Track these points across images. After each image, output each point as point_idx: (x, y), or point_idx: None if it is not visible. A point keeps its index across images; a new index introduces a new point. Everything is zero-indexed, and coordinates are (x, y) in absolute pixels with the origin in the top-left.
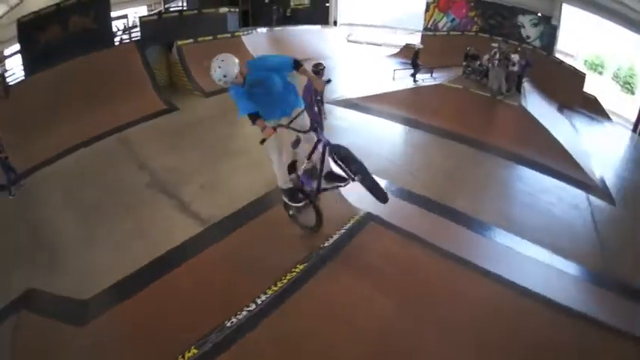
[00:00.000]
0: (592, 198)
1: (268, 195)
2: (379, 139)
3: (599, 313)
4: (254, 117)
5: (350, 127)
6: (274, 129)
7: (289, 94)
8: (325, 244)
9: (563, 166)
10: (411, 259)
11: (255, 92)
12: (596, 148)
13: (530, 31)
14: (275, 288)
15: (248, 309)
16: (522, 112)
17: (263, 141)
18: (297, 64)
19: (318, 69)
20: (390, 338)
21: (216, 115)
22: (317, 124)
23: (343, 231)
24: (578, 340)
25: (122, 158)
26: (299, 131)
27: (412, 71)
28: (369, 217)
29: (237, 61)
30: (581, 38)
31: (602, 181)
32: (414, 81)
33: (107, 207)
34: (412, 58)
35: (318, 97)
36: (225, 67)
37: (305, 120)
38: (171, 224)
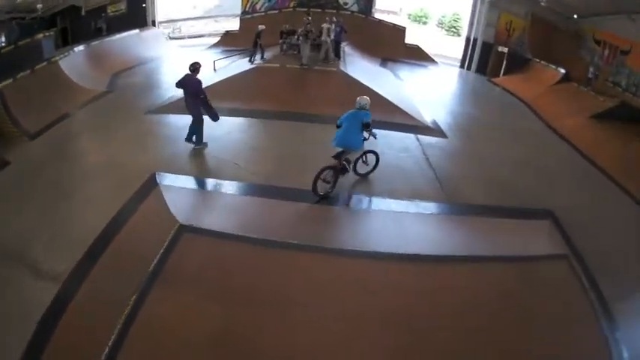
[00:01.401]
0: (422, 137)
1: (109, 226)
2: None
3: (448, 239)
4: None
5: (174, 134)
6: None
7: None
8: (150, 268)
9: (389, 115)
10: (228, 259)
11: None
12: (425, 90)
13: None
14: (118, 326)
15: (105, 352)
16: (341, 75)
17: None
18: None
19: (195, 67)
20: (231, 337)
21: (46, 156)
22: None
23: (162, 251)
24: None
25: None
26: None
27: (251, 54)
28: (183, 229)
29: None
30: None
31: (433, 120)
32: (250, 61)
33: None
34: (254, 40)
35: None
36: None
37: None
38: (28, 295)
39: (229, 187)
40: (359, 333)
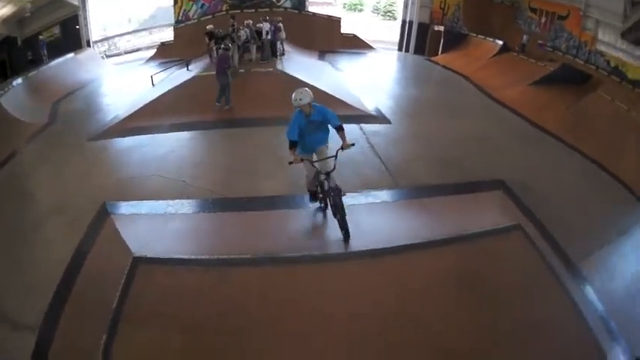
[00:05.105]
0: (366, 126)
1: (69, 267)
2: (148, 158)
3: (401, 225)
4: (292, 144)
5: (118, 159)
6: (302, 160)
7: (324, 136)
8: (113, 307)
9: (331, 109)
10: (184, 286)
11: (307, 127)
12: (365, 78)
13: None
14: None
15: None
16: (279, 75)
17: (291, 163)
18: (339, 127)
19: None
20: None
21: None
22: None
23: (120, 287)
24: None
25: None
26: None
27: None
28: (137, 261)
29: (311, 95)
30: None
31: (376, 107)
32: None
33: None
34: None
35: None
36: (305, 95)
37: (329, 163)
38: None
39: (179, 206)
40: (326, 345)
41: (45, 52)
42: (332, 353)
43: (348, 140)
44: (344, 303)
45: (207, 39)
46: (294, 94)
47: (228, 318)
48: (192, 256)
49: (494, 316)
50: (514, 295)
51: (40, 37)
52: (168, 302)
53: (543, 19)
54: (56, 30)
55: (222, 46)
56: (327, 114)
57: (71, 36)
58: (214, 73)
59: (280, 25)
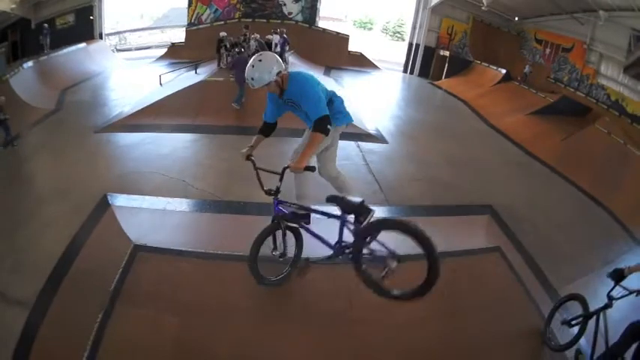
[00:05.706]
0: (363, 144)
1: (67, 251)
2: (151, 155)
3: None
4: (260, 128)
5: (122, 153)
6: (248, 157)
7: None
8: (110, 288)
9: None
10: (180, 274)
11: (289, 109)
12: (367, 96)
13: (291, 7)
14: (88, 345)
15: None
16: None
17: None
18: (315, 124)
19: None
20: (190, 346)
21: (1, 181)
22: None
23: (120, 271)
24: None
25: None
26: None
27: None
28: (137, 249)
29: (273, 69)
30: (348, 2)
31: (375, 127)
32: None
33: None
34: (217, 46)
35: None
36: (258, 70)
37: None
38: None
39: (178, 204)
40: (305, 332)
41: (47, 41)
42: (314, 346)
43: (310, 158)
44: (328, 302)
45: (227, 44)
46: (249, 65)
47: (220, 305)
48: (190, 249)
49: (463, 326)
50: (483, 310)
51: (45, 25)
52: (163, 287)
53: (548, 51)
54: (70, 18)
55: (237, 50)
56: (302, 97)
57: (85, 26)
58: (221, 79)
59: (285, 36)
